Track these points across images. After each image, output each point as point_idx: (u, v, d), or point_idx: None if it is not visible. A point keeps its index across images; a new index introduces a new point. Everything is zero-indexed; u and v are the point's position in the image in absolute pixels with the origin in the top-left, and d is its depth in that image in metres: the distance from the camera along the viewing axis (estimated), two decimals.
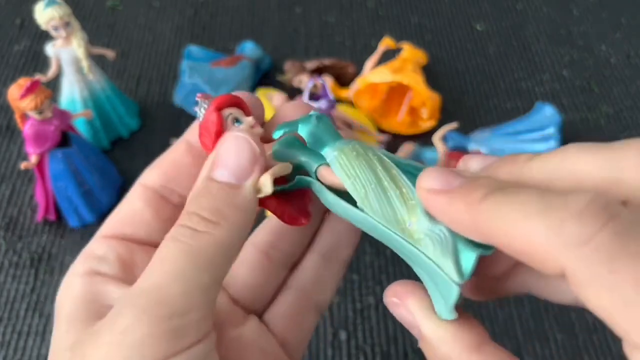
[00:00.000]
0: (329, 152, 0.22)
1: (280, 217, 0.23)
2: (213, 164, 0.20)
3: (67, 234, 0.59)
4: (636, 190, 0.16)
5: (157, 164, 0.24)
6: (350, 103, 0.69)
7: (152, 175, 0.23)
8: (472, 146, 0.63)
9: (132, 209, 0.23)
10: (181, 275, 0.19)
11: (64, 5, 0.57)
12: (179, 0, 0.84)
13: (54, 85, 0.63)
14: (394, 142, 0.66)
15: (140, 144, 0.67)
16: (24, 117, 0.53)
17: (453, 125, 0.63)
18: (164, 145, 0.25)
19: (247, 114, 0.23)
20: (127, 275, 0.22)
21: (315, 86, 0.60)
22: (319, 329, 0.53)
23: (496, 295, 0.22)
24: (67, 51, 0.59)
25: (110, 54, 0.63)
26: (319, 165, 0.22)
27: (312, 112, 0.23)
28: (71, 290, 0.21)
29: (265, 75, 0.73)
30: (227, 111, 0.23)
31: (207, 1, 0.84)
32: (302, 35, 0.80)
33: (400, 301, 0.20)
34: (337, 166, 0.22)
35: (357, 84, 0.67)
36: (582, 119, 0.71)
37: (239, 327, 0.24)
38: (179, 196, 0.23)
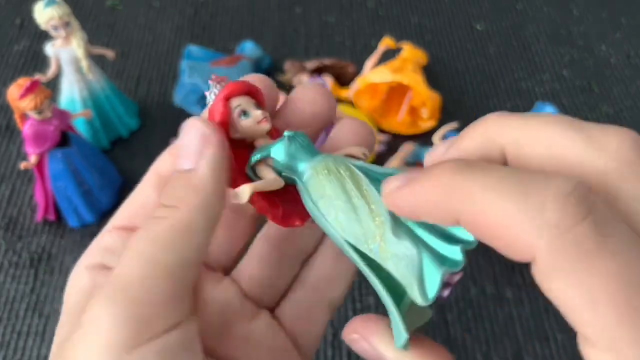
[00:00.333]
0: (304, 172, 0.22)
1: (270, 218, 0.22)
2: (177, 156, 0.20)
3: (67, 234, 0.59)
4: (612, 181, 0.16)
5: (172, 149, 0.23)
6: (350, 103, 0.69)
7: (166, 162, 0.22)
8: None
9: (144, 198, 0.22)
10: (141, 258, 0.18)
11: (63, 5, 0.57)
12: (179, 0, 0.84)
13: (53, 85, 0.63)
14: (394, 142, 0.66)
15: (140, 143, 0.67)
16: (24, 117, 0.53)
17: (453, 125, 0.63)
18: (163, 145, 0.24)
19: (261, 102, 0.23)
20: None
21: None
22: None
23: None
24: (67, 51, 0.59)
25: (110, 53, 0.63)
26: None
27: (285, 133, 0.22)
28: (77, 282, 0.21)
29: (265, 75, 0.73)
30: (236, 102, 0.22)
31: (207, 1, 0.84)
32: (302, 35, 0.80)
33: (360, 336, 0.20)
34: (310, 187, 0.22)
35: (357, 84, 0.67)
36: (582, 119, 0.71)
37: (250, 322, 0.24)
38: None
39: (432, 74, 0.74)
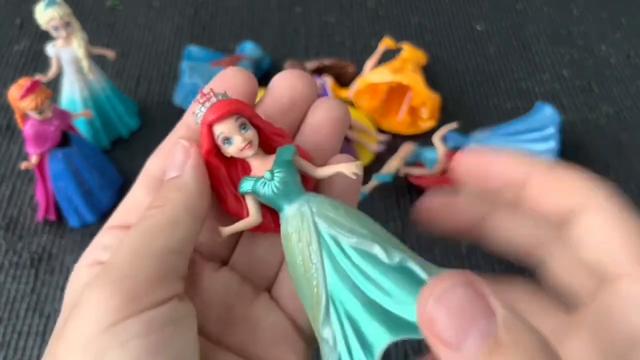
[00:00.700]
0: (284, 213, 0.23)
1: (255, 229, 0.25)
2: (167, 170, 0.24)
3: (67, 234, 0.59)
4: None
5: (159, 151, 0.25)
6: (350, 103, 0.69)
7: (154, 163, 0.25)
8: (472, 146, 0.63)
9: (137, 199, 0.25)
10: (130, 247, 0.21)
11: (64, 5, 0.57)
12: (179, 0, 0.84)
13: (54, 85, 0.63)
14: (394, 142, 0.66)
15: (140, 143, 0.67)
16: (24, 117, 0.53)
17: (453, 125, 0.63)
18: None
19: (249, 116, 0.24)
20: None
21: None
22: None
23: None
24: (67, 51, 0.59)
25: (110, 54, 0.63)
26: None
27: (265, 174, 0.24)
28: (77, 280, 0.23)
29: (265, 75, 0.73)
30: (219, 129, 0.24)
31: (207, 1, 0.84)
32: (302, 35, 0.80)
33: None
34: (282, 234, 0.23)
35: (357, 84, 0.67)
36: (582, 119, 0.71)
37: (249, 306, 0.25)
38: None
39: (432, 74, 0.74)
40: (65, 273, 0.56)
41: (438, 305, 0.16)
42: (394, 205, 0.62)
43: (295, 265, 0.22)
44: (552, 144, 0.60)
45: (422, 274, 0.20)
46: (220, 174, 0.25)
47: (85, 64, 0.60)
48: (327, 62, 0.72)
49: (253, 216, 0.24)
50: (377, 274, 0.21)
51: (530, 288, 0.23)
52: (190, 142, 0.24)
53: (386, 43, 0.72)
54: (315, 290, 0.21)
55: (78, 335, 0.19)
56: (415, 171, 0.62)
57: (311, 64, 0.71)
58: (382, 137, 0.67)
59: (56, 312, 0.53)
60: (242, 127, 0.24)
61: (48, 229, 0.59)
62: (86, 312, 0.20)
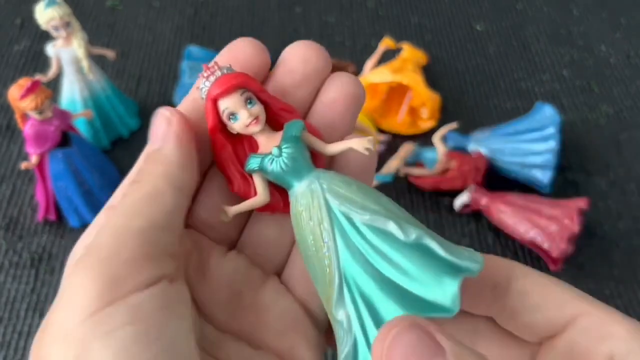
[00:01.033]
0: (294, 191, 0.22)
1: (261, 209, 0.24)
2: (149, 142, 0.23)
3: (67, 234, 0.59)
4: None
5: None
6: None
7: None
8: (472, 146, 0.63)
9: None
10: (111, 227, 0.20)
11: (64, 5, 0.57)
12: (179, 0, 0.84)
13: (54, 85, 0.63)
14: (394, 142, 0.66)
15: (140, 143, 0.67)
16: (25, 117, 0.53)
17: (453, 125, 0.63)
18: None
19: (255, 90, 0.23)
20: None
21: None
22: None
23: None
24: (67, 51, 0.59)
25: (110, 54, 0.63)
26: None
27: (272, 150, 0.22)
28: (74, 261, 0.21)
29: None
30: (224, 104, 0.22)
31: (207, 1, 0.84)
32: (302, 35, 0.80)
33: None
34: (292, 212, 0.22)
35: None
36: (582, 119, 0.71)
37: (258, 290, 0.24)
38: None
39: (432, 74, 0.74)
40: None
41: (390, 352, 0.16)
42: None
43: (306, 245, 0.21)
44: (552, 144, 0.60)
45: (439, 250, 0.20)
46: (226, 151, 0.23)
47: (85, 64, 0.60)
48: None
49: (260, 195, 0.23)
50: (392, 252, 0.20)
51: (491, 325, 0.23)
52: (173, 111, 0.23)
53: (386, 43, 0.72)
54: (328, 270, 0.20)
55: (60, 326, 0.18)
56: (415, 171, 0.62)
57: None
58: (382, 137, 0.67)
59: None
60: (248, 101, 0.22)
61: (48, 229, 0.59)
62: (67, 300, 0.18)
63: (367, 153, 0.22)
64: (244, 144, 0.24)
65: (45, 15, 0.56)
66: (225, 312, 0.23)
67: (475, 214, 0.61)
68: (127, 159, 0.65)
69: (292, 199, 0.22)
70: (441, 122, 0.67)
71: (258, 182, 0.23)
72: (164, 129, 0.22)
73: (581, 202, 0.56)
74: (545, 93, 0.74)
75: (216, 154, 0.23)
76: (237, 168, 0.23)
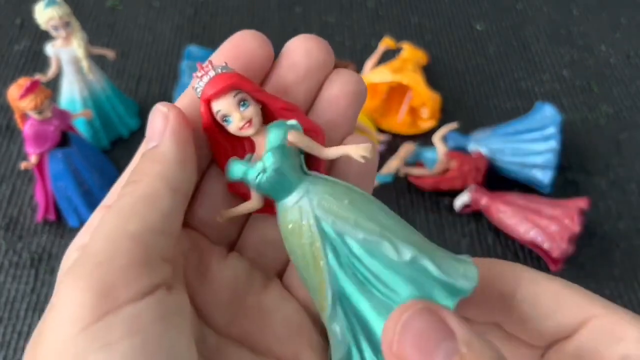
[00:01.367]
0: (281, 203, 0.22)
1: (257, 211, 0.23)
2: (146, 141, 0.22)
3: (67, 234, 0.59)
4: None
5: None
6: None
7: None
8: (472, 146, 0.63)
9: None
10: (105, 230, 0.19)
11: (63, 5, 0.57)
12: (179, 0, 0.84)
13: (53, 85, 0.63)
14: (394, 142, 0.66)
15: (140, 143, 0.66)
16: (24, 117, 0.53)
17: (453, 125, 0.63)
18: None
19: (250, 90, 0.22)
20: None
21: None
22: None
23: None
24: (67, 51, 0.59)
25: (110, 54, 0.63)
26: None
27: (257, 165, 0.21)
28: (67, 264, 0.21)
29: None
30: (217, 106, 0.22)
31: (207, 1, 0.84)
32: None
33: None
34: (279, 226, 0.22)
35: None
36: (582, 118, 0.71)
37: (261, 294, 0.23)
38: None
39: (432, 74, 0.74)
40: None
41: (401, 337, 0.16)
42: (394, 206, 0.62)
43: (296, 259, 0.21)
44: (553, 144, 0.60)
45: (434, 271, 0.19)
46: (223, 151, 0.23)
47: (85, 63, 0.60)
48: None
49: (254, 200, 0.22)
50: (385, 272, 0.19)
51: (496, 328, 0.23)
52: (170, 106, 0.22)
53: (386, 43, 0.72)
54: (321, 285, 0.20)
55: (54, 338, 0.17)
56: (415, 171, 0.62)
57: None
58: (382, 137, 0.66)
59: None
60: (242, 103, 0.22)
61: (48, 229, 0.59)
62: (60, 310, 0.17)
63: (363, 161, 0.21)
64: (243, 142, 0.23)
65: (44, 15, 0.56)
66: (226, 316, 0.22)
67: (475, 214, 0.61)
68: (126, 159, 0.65)
69: (279, 213, 0.22)
70: (441, 122, 0.67)
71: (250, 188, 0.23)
72: (161, 125, 0.21)
73: (581, 202, 0.56)
74: (545, 93, 0.74)
75: (215, 154, 0.23)
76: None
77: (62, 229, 0.59)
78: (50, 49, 0.59)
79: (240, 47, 0.23)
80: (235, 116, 0.22)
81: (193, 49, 0.72)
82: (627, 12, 0.84)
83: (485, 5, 0.85)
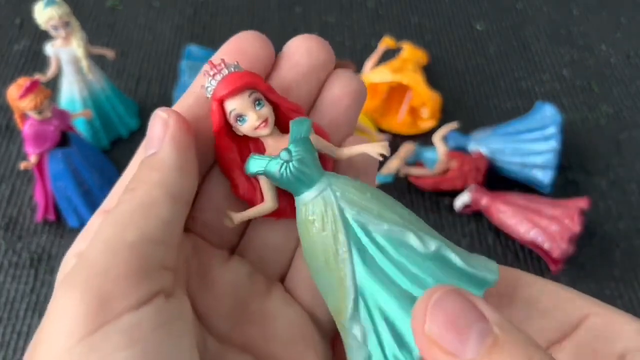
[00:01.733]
0: (302, 197, 0.21)
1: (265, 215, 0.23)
2: (145, 147, 0.21)
3: (67, 234, 0.59)
4: None
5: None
6: None
7: None
8: (472, 146, 0.63)
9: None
10: (102, 239, 0.18)
11: (63, 4, 0.57)
12: (179, 0, 0.84)
13: (53, 85, 0.63)
14: (394, 142, 0.66)
15: (139, 144, 0.66)
16: (24, 117, 0.53)
17: (454, 125, 0.63)
18: None
19: (264, 90, 0.22)
20: None
21: None
22: None
23: None
24: (67, 51, 0.59)
25: (109, 53, 0.63)
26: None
27: (281, 154, 0.21)
28: (65, 270, 0.20)
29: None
30: (231, 105, 0.21)
31: (207, 1, 0.84)
32: None
33: None
34: (298, 221, 0.21)
35: None
36: (582, 118, 0.71)
37: (264, 299, 0.23)
38: None
39: (432, 74, 0.74)
40: None
41: (434, 316, 0.16)
42: None
43: (314, 256, 0.20)
44: (554, 144, 0.60)
45: (457, 261, 0.19)
46: (232, 154, 0.22)
47: (84, 63, 0.60)
48: None
49: (268, 202, 0.22)
50: (410, 264, 0.19)
51: None
52: (170, 112, 0.21)
53: (386, 42, 0.72)
54: (341, 283, 0.19)
55: (50, 350, 0.17)
56: (416, 171, 0.62)
57: None
58: (383, 137, 0.66)
59: None
60: (257, 103, 0.21)
61: (47, 229, 0.59)
62: (56, 321, 0.17)
63: (381, 158, 0.22)
64: (250, 146, 0.23)
65: (44, 15, 0.56)
66: (229, 322, 0.22)
67: (475, 214, 0.60)
68: (126, 159, 0.64)
69: (300, 207, 0.21)
70: (441, 122, 0.67)
71: (266, 187, 0.22)
72: (160, 132, 0.21)
73: (582, 202, 0.55)
74: (546, 93, 0.73)
75: (220, 157, 0.22)
76: (243, 172, 0.22)
77: (61, 229, 0.59)
78: (49, 48, 0.59)
79: (241, 48, 0.23)
80: (252, 116, 0.21)
81: (193, 48, 0.72)
82: (627, 11, 0.84)
83: (485, 5, 0.85)
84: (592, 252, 0.58)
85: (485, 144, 0.62)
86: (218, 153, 0.22)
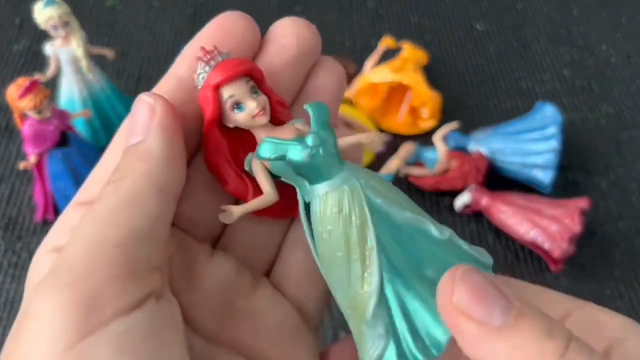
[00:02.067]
0: (311, 193, 0.20)
1: (259, 214, 0.21)
2: (129, 134, 0.20)
3: None
4: None
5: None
6: (350, 103, 0.69)
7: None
8: (472, 146, 0.62)
9: (109, 168, 0.20)
10: (85, 237, 0.17)
11: (63, 4, 0.57)
12: (178, 0, 0.84)
13: (53, 85, 0.63)
14: (394, 142, 0.66)
15: None
16: (23, 117, 0.53)
17: (454, 125, 0.63)
18: None
19: (259, 80, 0.20)
20: None
21: None
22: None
23: None
24: (66, 51, 0.59)
25: (109, 53, 0.63)
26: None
27: (309, 137, 0.19)
28: (37, 269, 0.19)
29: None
30: (228, 91, 0.20)
31: (207, 1, 0.84)
32: None
33: None
34: (314, 214, 0.20)
35: (357, 83, 0.67)
36: (583, 118, 0.71)
37: (251, 295, 0.22)
38: None
39: (432, 74, 0.74)
40: None
41: (462, 287, 0.16)
42: None
43: (334, 248, 0.19)
44: (554, 144, 0.60)
45: (465, 246, 0.20)
46: (222, 147, 0.21)
47: (84, 63, 0.60)
48: None
49: (269, 194, 0.20)
50: (432, 251, 0.20)
51: None
52: (156, 97, 0.19)
53: (386, 42, 0.72)
54: (364, 276, 0.19)
55: (33, 358, 0.15)
56: (416, 171, 0.62)
57: None
58: (383, 137, 0.66)
59: None
60: (253, 91, 0.20)
61: (47, 229, 0.59)
62: (37, 328, 0.15)
63: (379, 147, 0.22)
64: (239, 140, 0.21)
65: (44, 15, 0.56)
66: (216, 321, 0.21)
67: (475, 214, 0.60)
68: None
69: (317, 197, 0.19)
70: (441, 122, 0.66)
71: (264, 178, 0.21)
72: (146, 118, 0.19)
73: (582, 202, 0.55)
74: (546, 93, 0.73)
75: (209, 149, 0.21)
76: (232, 166, 0.21)
77: None
78: (49, 48, 0.59)
79: (226, 29, 0.21)
80: (250, 103, 0.20)
81: None
82: (628, 11, 0.84)
83: (485, 5, 0.85)
84: (592, 252, 0.58)
85: (485, 144, 0.62)
86: (207, 145, 0.21)
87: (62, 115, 0.55)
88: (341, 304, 0.20)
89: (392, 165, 0.62)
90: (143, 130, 0.19)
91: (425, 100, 0.66)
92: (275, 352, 0.21)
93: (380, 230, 0.19)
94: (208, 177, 0.21)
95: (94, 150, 0.60)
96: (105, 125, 0.65)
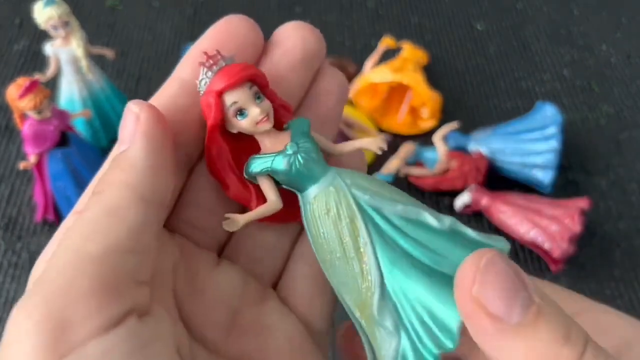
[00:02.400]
0: (306, 195, 0.20)
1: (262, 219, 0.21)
2: (118, 142, 0.19)
3: None
4: None
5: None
6: (350, 103, 0.69)
7: None
8: (472, 146, 0.62)
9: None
10: (63, 250, 0.16)
11: (63, 4, 0.57)
12: (178, 0, 0.84)
13: (53, 84, 0.63)
14: (394, 142, 0.66)
15: None
16: (23, 117, 0.53)
17: (454, 125, 0.63)
18: None
19: (263, 85, 0.20)
20: None
21: None
22: None
23: None
24: (66, 51, 0.59)
25: (109, 53, 0.63)
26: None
27: (287, 146, 0.20)
28: (36, 276, 0.18)
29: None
30: (231, 97, 0.20)
31: (207, 1, 0.84)
32: None
33: None
34: (308, 218, 0.20)
35: (357, 83, 0.67)
36: (583, 118, 0.71)
37: (258, 307, 0.21)
38: (185, 155, 0.21)
39: (432, 74, 0.74)
40: None
41: (485, 278, 0.15)
42: None
43: (330, 250, 0.19)
44: (554, 144, 0.60)
45: (472, 233, 0.19)
46: (224, 153, 0.21)
47: (84, 63, 0.60)
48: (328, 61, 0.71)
49: (274, 202, 0.20)
50: (431, 242, 0.19)
51: None
52: (142, 105, 0.19)
53: (386, 42, 0.72)
54: (363, 272, 0.19)
55: None
56: (416, 171, 0.62)
57: None
58: (385, 142, 0.66)
59: None
60: (257, 96, 0.20)
61: (47, 229, 0.59)
62: (10, 353, 0.14)
63: (380, 152, 0.21)
64: (242, 145, 0.21)
65: (43, 15, 0.56)
66: (221, 332, 0.20)
67: (475, 214, 0.60)
68: None
69: (308, 203, 0.20)
70: (441, 122, 0.66)
71: (267, 187, 0.21)
72: (132, 127, 0.19)
73: (582, 202, 0.55)
74: (546, 93, 0.73)
75: (211, 155, 0.21)
76: (235, 172, 0.21)
77: None
78: (49, 48, 0.59)
79: (229, 32, 0.21)
80: (254, 110, 0.20)
81: None
82: (628, 11, 0.84)
83: (485, 5, 0.85)
84: (592, 252, 0.58)
85: (485, 144, 0.62)
86: (209, 151, 0.21)
87: (62, 115, 0.55)
88: (349, 307, 0.20)
89: (392, 165, 0.62)
90: (128, 139, 0.19)
91: (425, 100, 0.66)
92: None
93: (374, 225, 0.19)
94: (214, 184, 0.21)
95: (94, 151, 0.60)
96: (105, 125, 0.65)
